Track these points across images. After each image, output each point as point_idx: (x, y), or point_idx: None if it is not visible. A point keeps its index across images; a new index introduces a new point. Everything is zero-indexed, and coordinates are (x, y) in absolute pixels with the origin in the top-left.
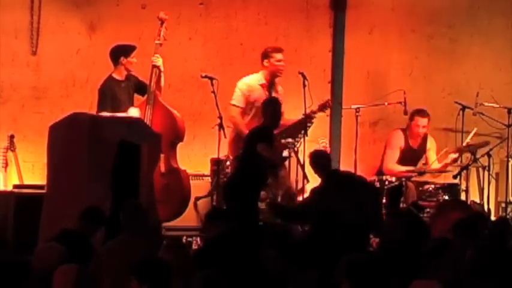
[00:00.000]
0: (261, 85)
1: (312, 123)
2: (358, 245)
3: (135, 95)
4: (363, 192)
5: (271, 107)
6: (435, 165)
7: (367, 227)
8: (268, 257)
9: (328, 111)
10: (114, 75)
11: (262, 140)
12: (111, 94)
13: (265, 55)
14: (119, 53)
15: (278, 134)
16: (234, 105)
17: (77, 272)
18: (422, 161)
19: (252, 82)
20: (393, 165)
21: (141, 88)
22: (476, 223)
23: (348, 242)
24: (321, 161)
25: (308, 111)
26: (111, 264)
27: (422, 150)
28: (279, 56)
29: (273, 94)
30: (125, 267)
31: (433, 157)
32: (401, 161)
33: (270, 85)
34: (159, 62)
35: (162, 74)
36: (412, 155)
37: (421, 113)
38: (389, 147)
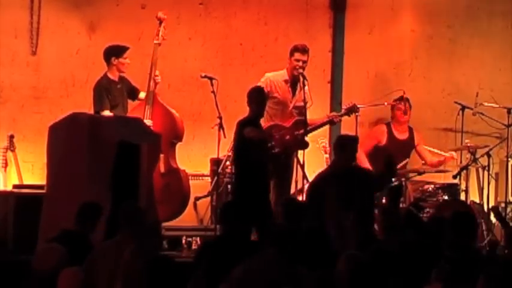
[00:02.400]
0: (284, 81)
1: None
2: None
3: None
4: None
5: (255, 94)
6: (430, 157)
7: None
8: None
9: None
10: (108, 74)
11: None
12: (106, 92)
13: (290, 52)
14: (110, 53)
15: (304, 132)
16: None
17: (82, 275)
18: (421, 161)
19: (276, 77)
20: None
21: (132, 92)
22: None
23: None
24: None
25: (336, 114)
26: (105, 264)
27: (409, 142)
28: (297, 55)
29: (297, 92)
30: (118, 267)
31: (425, 151)
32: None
33: (293, 82)
34: (158, 79)
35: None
36: (400, 147)
37: (400, 98)
38: (367, 138)
